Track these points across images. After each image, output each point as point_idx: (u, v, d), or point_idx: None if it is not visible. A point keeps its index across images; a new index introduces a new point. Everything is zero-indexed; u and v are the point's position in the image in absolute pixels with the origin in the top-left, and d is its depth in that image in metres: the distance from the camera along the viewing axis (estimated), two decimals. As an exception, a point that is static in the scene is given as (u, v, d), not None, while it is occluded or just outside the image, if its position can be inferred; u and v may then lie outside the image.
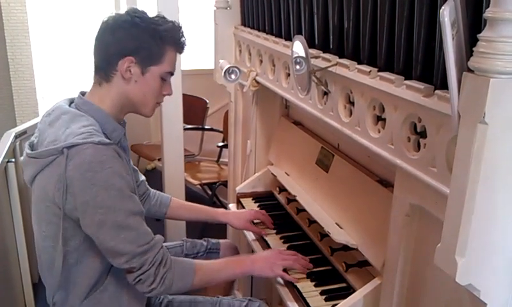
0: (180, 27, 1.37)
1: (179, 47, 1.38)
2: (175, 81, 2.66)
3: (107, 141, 1.26)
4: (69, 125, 1.27)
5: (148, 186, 1.73)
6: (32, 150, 1.32)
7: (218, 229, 2.24)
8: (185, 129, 2.99)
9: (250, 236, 1.80)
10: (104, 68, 1.33)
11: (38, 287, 2.45)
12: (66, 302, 1.37)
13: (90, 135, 1.23)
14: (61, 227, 1.26)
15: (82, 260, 1.33)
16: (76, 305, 1.36)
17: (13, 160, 2.22)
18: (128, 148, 1.45)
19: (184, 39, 1.38)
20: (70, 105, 1.36)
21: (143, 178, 1.70)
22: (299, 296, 1.42)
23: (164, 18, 1.37)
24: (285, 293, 1.46)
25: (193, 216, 1.83)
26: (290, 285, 1.47)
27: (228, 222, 1.81)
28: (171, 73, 1.39)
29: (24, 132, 2.43)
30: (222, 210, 1.85)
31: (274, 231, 1.78)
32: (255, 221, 1.81)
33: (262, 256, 1.54)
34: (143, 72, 1.33)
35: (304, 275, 1.49)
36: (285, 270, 1.48)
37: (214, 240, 1.81)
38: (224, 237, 2.50)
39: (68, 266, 1.32)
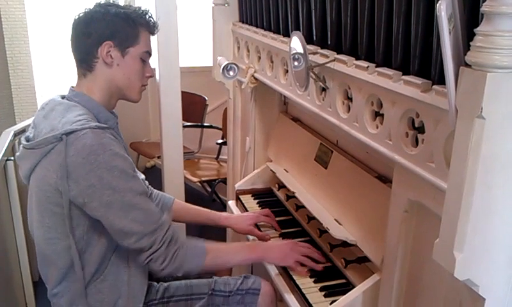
0: (148, 10, 1.43)
1: (150, 26, 1.43)
2: (174, 79, 2.68)
3: (104, 125, 1.30)
4: (64, 115, 1.31)
5: (149, 185, 1.72)
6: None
7: (218, 229, 2.24)
8: (184, 126, 2.99)
9: (251, 237, 1.79)
10: (85, 59, 1.37)
11: (38, 285, 2.45)
12: (68, 293, 1.38)
13: (87, 122, 1.27)
14: (65, 216, 1.28)
15: (86, 249, 1.34)
16: (77, 295, 1.37)
17: (12, 158, 2.22)
18: (122, 138, 1.46)
19: (153, 21, 1.43)
20: (62, 99, 1.40)
21: (142, 176, 1.69)
22: (298, 292, 1.42)
23: (130, 5, 1.43)
24: (284, 288, 1.46)
25: (196, 219, 1.82)
26: (289, 279, 1.47)
27: (230, 226, 1.80)
28: (149, 54, 1.44)
29: (23, 130, 2.43)
30: (225, 214, 1.85)
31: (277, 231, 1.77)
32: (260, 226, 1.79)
33: (277, 245, 1.55)
34: (122, 55, 1.37)
35: (305, 274, 1.48)
36: None
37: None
38: (224, 237, 2.51)
39: (73, 256, 1.33)
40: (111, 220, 1.27)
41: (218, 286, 1.55)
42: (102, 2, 1.40)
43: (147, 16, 1.42)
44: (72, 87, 1.41)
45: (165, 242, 1.32)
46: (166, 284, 1.58)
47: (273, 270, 1.55)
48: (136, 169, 1.64)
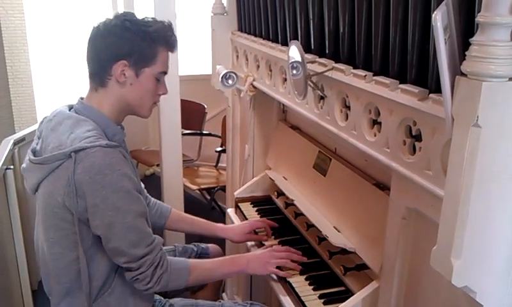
0: (170, 26, 1.39)
1: (170, 46, 1.39)
2: (173, 87, 2.69)
3: (114, 143, 1.29)
4: (73, 130, 1.29)
5: (147, 194, 1.73)
6: (35, 156, 1.33)
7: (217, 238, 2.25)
8: (183, 134, 3.00)
9: (250, 242, 1.80)
10: (99, 74, 1.35)
11: (37, 295, 2.45)
12: None
13: (97, 139, 1.26)
14: (74, 231, 1.29)
15: (90, 264, 1.34)
16: None
17: (12, 167, 2.22)
18: (128, 151, 1.46)
19: (174, 37, 1.39)
20: (70, 111, 1.38)
21: (141, 186, 1.70)
22: (297, 299, 1.42)
23: (153, 19, 1.38)
24: (283, 297, 1.46)
25: (192, 229, 1.83)
26: (288, 287, 1.47)
27: (227, 237, 1.82)
28: (165, 73, 1.41)
29: (22, 139, 2.44)
30: (221, 225, 1.85)
31: (273, 236, 1.78)
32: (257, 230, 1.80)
33: (256, 255, 1.57)
34: (137, 74, 1.34)
35: (297, 271, 1.52)
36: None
37: (203, 245, 1.84)
38: (223, 246, 2.50)
39: (77, 270, 1.33)
40: (109, 239, 1.29)
41: None
42: (121, 14, 1.36)
43: (168, 34, 1.37)
44: (82, 98, 1.39)
45: (152, 266, 1.34)
46: (171, 300, 1.59)
47: (270, 276, 1.55)
48: (141, 184, 1.66)
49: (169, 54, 1.41)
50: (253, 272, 1.55)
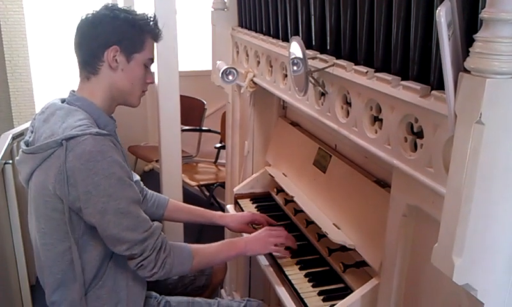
0: (155, 17, 1.44)
1: (156, 34, 1.45)
2: (173, 82, 2.69)
3: (104, 132, 1.30)
4: (65, 119, 1.31)
5: (144, 186, 1.73)
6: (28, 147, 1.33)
7: (215, 230, 2.24)
8: (182, 130, 2.99)
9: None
10: (90, 62, 1.38)
11: (35, 289, 2.44)
12: (66, 300, 1.37)
13: (87, 128, 1.28)
14: (65, 221, 1.29)
15: (81, 255, 1.34)
16: (76, 302, 1.36)
17: (10, 161, 2.22)
18: (120, 143, 1.47)
19: (158, 29, 1.45)
20: (62, 103, 1.40)
21: (137, 177, 1.70)
22: (296, 296, 1.42)
23: (135, 10, 1.45)
24: (282, 292, 1.46)
25: (190, 218, 1.84)
26: (287, 283, 1.47)
27: (225, 225, 1.82)
28: (152, 60, 1.46)
29: (21, 134, 2.43)
30: (219, 212, 1.86)
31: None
32: (254, 225, 1.80)
33: (254, 236, 1.59)
34: (128, 60, 1.39)
35: (289, 257, 1.57)
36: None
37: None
38: (222, 238, 2.50)
39: (68, 262, 1.33)
40: (105, 227, 1.29)
41: None
42: (109, 5, 1.41)
43: (153, 24, 1.43)
44: (73, 91, 1.41)
45: (155, 250, 1.34)
46: (167, 298, 1.59)
47: (269, 272, 1.57)
48: (133, 172, 1.66)
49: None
50: (252, 253, 1.57)
